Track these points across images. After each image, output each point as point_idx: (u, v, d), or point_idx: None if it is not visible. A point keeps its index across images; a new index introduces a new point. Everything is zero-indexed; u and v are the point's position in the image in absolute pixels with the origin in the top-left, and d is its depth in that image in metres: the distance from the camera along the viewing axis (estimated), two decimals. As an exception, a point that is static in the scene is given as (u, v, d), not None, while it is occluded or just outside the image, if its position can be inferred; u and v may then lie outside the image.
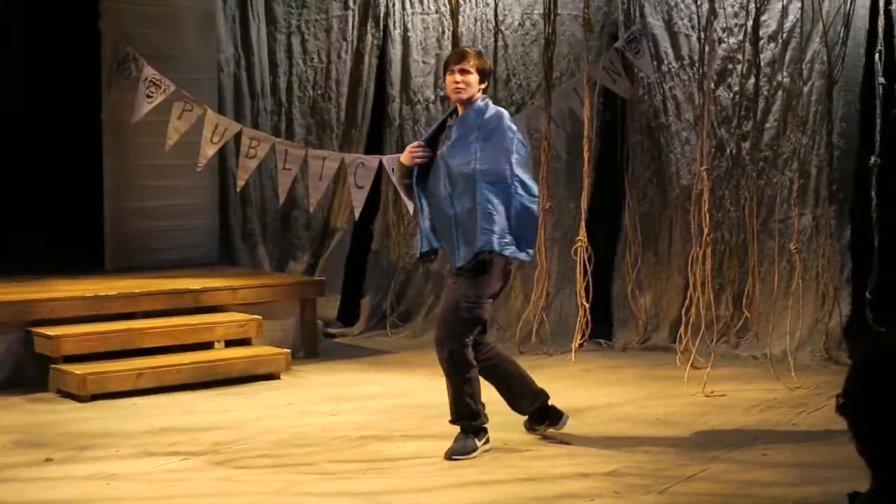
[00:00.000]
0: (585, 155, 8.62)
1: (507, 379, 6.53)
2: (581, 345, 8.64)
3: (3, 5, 10.31)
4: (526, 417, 6.65)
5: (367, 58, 10.39)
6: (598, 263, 8.77)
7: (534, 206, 6.24)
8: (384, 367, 8.75)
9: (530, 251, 6.33)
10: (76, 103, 10.29)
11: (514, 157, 6.18)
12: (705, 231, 7.88)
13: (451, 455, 6.23)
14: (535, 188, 6.27)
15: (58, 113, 10.85)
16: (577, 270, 8.53)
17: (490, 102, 6.40)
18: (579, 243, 8.54)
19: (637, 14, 9.37)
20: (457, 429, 6.35)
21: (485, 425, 6.35)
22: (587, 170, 8.65)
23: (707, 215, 7.90)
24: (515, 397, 6.57)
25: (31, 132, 11.04)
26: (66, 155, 10.64)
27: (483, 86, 6.35)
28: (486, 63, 6.48)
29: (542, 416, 6.61)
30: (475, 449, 6.27)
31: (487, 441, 6.35)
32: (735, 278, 8.83)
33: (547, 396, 6.59)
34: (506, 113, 6.41)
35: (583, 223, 8.60)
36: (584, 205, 8.66)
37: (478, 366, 6.33)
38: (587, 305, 8.55)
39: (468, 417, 6.30)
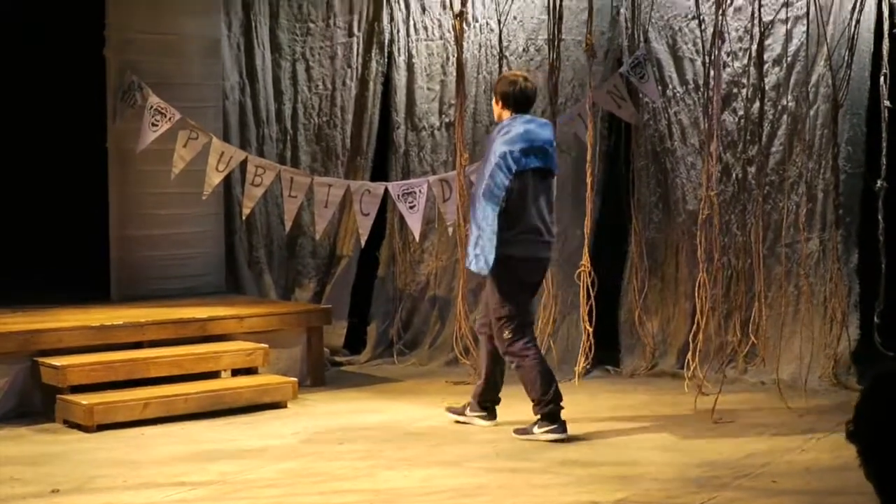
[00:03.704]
0: (588, 180, 8.62)
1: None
2: (587, 370, 8.60)
3: (6, 33, 10.33)
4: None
5: (371, 84, 10.39)
6: (605, 289, 8.75)
7: (486, 228, 6.94)
8: (391, 396, 8.72)
9: (482, 265, 7.01)
10: (81, 132, 10.29)
11: (485, 183, 6.97)
12: (715, 257, 7.85)
13: (514, 431, 7.24)
14: (490, 213, 6.93)
15: (63, 142, 10.86)
16: (581, 295, 8.52)
17: (505, 122, 7.17)
18: (582, 268, 8.53)
19: (641, 39, 9.37)
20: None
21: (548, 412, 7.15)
22: (590, 195, 8.64)
23: (716, 240, 7.88)
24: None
25: (36, 161, 11.05)
26: (70, 184, 10.63)
27: (504, 108, 7.23)
28: (501, 86, 7.31)
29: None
30: (530, 433, 7.15)
31: (550, 431, 7.08)
32: (742, 303, 8.80)
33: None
34: (504, 127, 7.15)
35: (586, 248, 8.59)
36: (587, 230, 8.65)
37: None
38: (590, 329, 8.53)
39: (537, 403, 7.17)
